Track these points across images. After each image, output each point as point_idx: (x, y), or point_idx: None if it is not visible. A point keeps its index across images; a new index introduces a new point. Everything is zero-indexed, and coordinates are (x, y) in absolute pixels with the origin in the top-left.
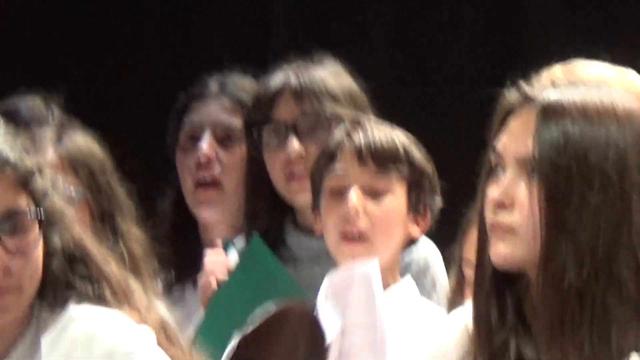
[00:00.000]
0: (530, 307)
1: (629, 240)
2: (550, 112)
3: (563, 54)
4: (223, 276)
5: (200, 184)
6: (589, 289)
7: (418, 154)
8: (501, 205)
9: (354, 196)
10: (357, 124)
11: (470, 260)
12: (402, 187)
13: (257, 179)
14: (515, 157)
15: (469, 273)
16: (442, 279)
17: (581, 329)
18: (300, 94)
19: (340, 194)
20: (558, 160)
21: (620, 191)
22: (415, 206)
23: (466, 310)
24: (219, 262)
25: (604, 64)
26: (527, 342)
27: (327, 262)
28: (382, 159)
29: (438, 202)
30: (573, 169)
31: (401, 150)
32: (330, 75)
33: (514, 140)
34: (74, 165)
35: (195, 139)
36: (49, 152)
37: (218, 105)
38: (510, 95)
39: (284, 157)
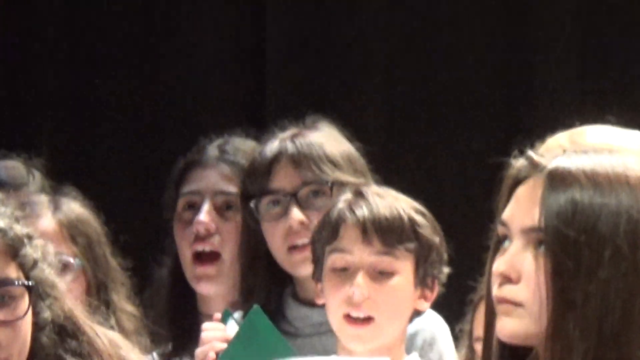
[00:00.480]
0: None
1: None
2: (557, 180)
3: (573, 120)
4: (221, 347)
5: (199, 257)
6: None
7: (425, 224)
8: (507, 279)
9: (361, 282)
10: (359, 194)
11: (480, 337)
12: (409, 263)
13: (254, 250)
14: (522, 228)
15: (479, 349)
16: (449, 354)
17: None
18: (299, 160)
19: (344, 272)
20: (565, 230)
21: (632, 264)
22: (422, 280)
23: None
24: (217, 333)
25: (615, 128)
26: None
27: (328, 334)
28: (387, 237)
29: (446, 270)
30: (581, 240)
31: (407, 225)
32: (328, 139)
33: (521, 210)
34: (73, 233)
35: (193, 208)
36: (47, 219)
37: (217, 173)
38: (518, 163)
39: (285, 227)
